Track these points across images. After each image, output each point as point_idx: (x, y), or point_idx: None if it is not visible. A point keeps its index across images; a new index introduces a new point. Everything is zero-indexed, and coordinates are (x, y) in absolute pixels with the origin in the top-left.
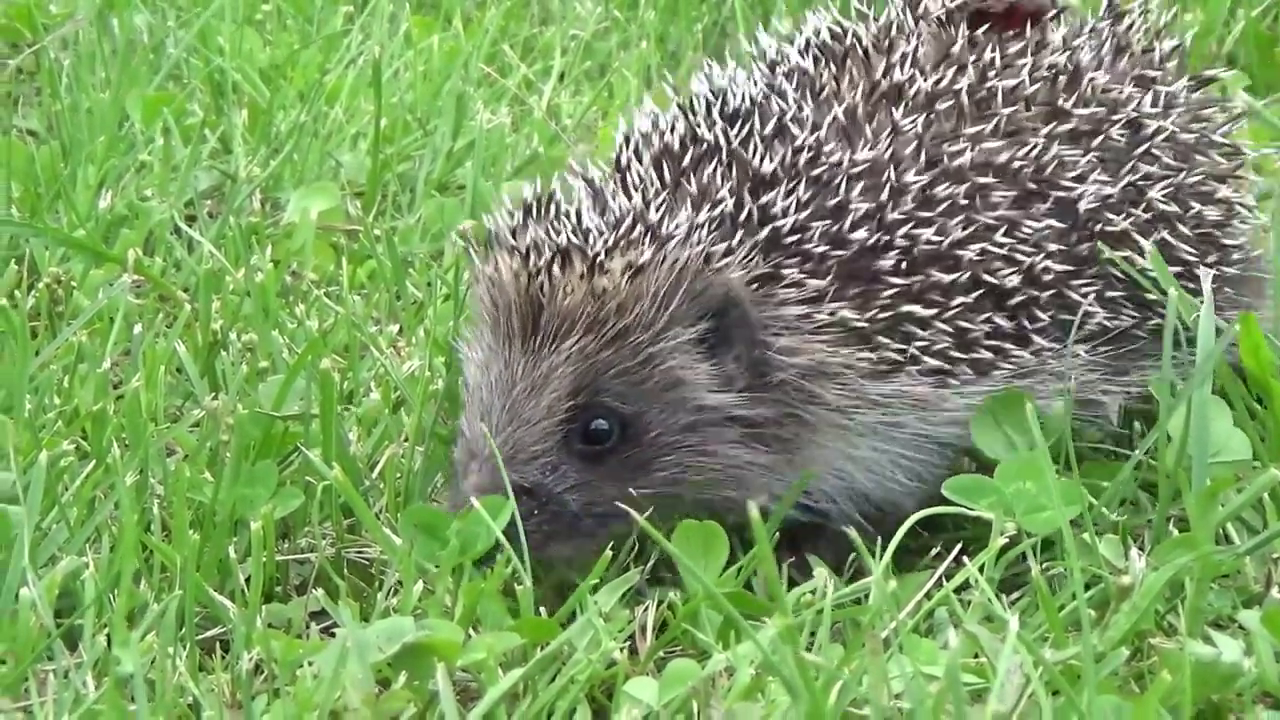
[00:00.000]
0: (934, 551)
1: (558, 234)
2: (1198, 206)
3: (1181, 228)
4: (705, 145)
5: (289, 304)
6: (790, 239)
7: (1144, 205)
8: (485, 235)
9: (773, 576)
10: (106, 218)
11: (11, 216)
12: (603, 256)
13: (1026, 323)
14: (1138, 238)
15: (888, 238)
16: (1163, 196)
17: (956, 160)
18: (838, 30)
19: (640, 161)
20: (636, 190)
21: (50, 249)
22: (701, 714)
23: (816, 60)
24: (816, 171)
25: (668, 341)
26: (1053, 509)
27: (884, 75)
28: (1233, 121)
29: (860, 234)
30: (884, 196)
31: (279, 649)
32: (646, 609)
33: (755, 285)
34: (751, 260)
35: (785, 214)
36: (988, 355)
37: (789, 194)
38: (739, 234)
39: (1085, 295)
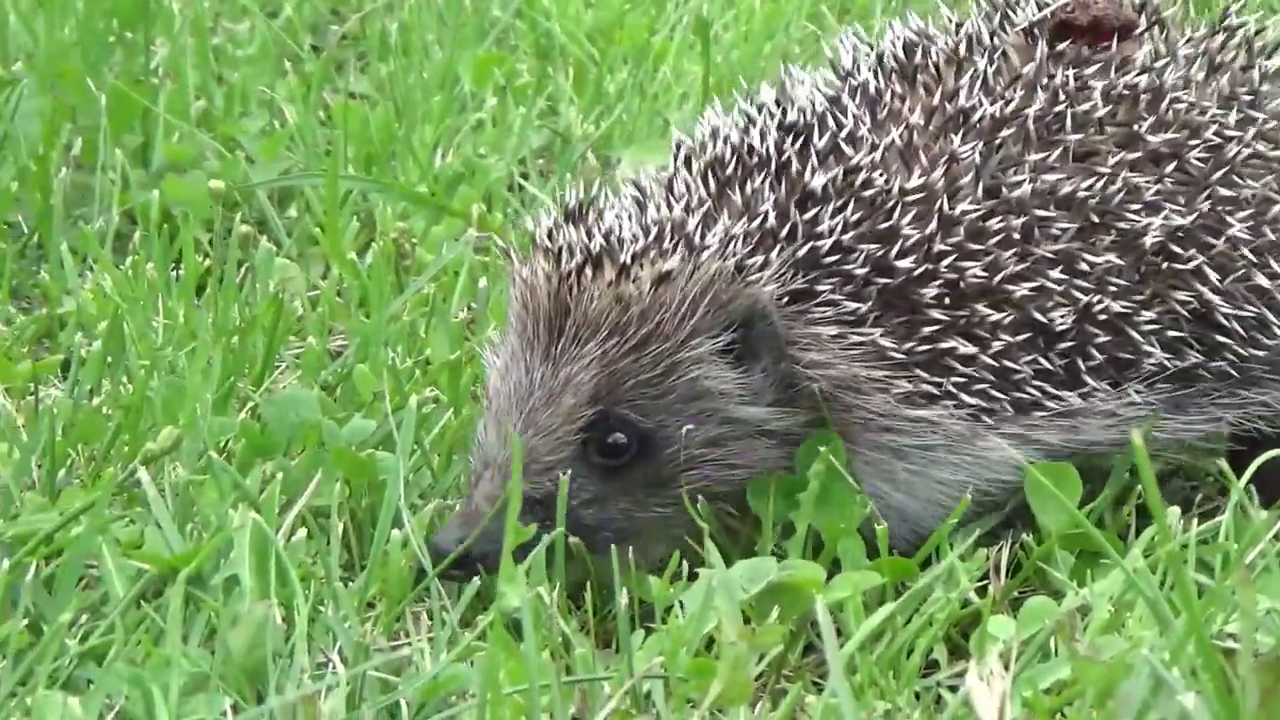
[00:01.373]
0: None
1: (591, 238)
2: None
3: (1270, 259)
4: (757, 158)
5: None
6: (831, 258)
7: (1224, 237)
8: (529, 236)
9: (1155, 502)
10: (446, 175)
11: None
12: (631, 262)
13: (1080, 361)
14: (1210, 273)
15: (934, 269)
16: (1244, 227)
17: (1016, 191)
18: (915, 40)
19: (689, 170)
20: (680, 200)
21: (391, 206)
22: (1064, 650)
23: (887, 75)
24: (869, 193)
25: (691, 351)
26: None
27: (950, 99)
28: None
29: (907, 262)
30: (933, 226)
31: (655, 586)
32: (1000, 549)
33: (788, 300)
34: (785, 275)
35: (830, 233)
36: (1031, 395)
37: (837, 213)
38: (777, 248)
39: (1146, 335)
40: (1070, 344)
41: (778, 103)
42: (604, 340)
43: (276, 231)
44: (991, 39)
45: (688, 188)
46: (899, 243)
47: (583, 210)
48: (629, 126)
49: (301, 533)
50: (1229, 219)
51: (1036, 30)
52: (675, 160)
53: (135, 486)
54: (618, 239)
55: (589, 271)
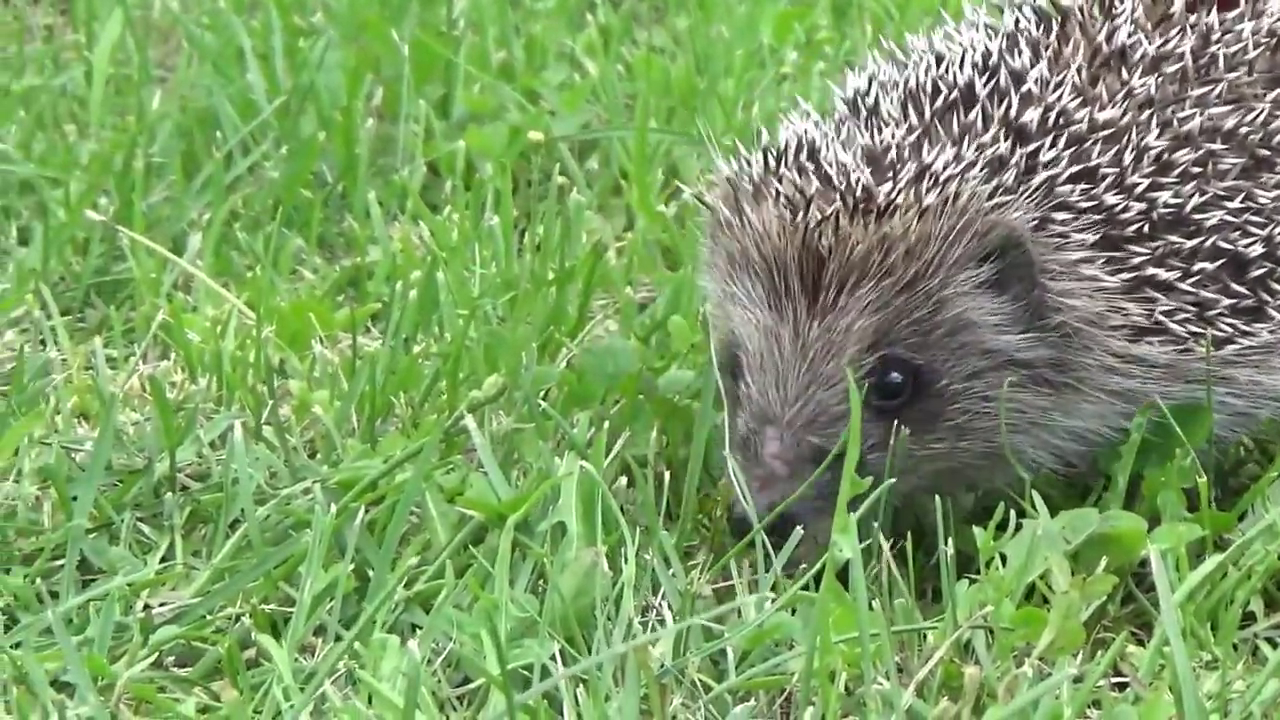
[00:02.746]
0: None
1: (825, 180)
2: None
3: None
4: (957, 91)
5: None
6: (1061, 188)
7: None
8: (729, 186)
9: None
10: (749, 128)
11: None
12: (884, 200)
13: (1266, 295)
14: None
15: (1131, 200)
16: None
17: (1186, 125)
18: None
19: (888, 101)
20: (887, 128)
21: (700, 158)
22: None
23: (1037, 24)
24: (1072, 129)
25: (956, 285)
26: None
27: (1107, 39)
28: None
29: (1110, 196)
30: (1127, 159)
31: (979, 537)
32: None
33: (1039, 229)
34: (1027, 204)
35: (1050, 165)
36: (1225, 331)
37: (1052, 146)
38: (1011, 177)
39: None
40: (1257, 275)
41: (953, 50)
42: (875, 283)
43: (578, 183)
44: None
45: (893, 117)
46: (1103, 178)
47: (791, 151)
48: None
49: (622, 480)
50: None
51: None
52: (867, 92)
53: (457, 434)
54: (851, 175)
55: (842, 214)
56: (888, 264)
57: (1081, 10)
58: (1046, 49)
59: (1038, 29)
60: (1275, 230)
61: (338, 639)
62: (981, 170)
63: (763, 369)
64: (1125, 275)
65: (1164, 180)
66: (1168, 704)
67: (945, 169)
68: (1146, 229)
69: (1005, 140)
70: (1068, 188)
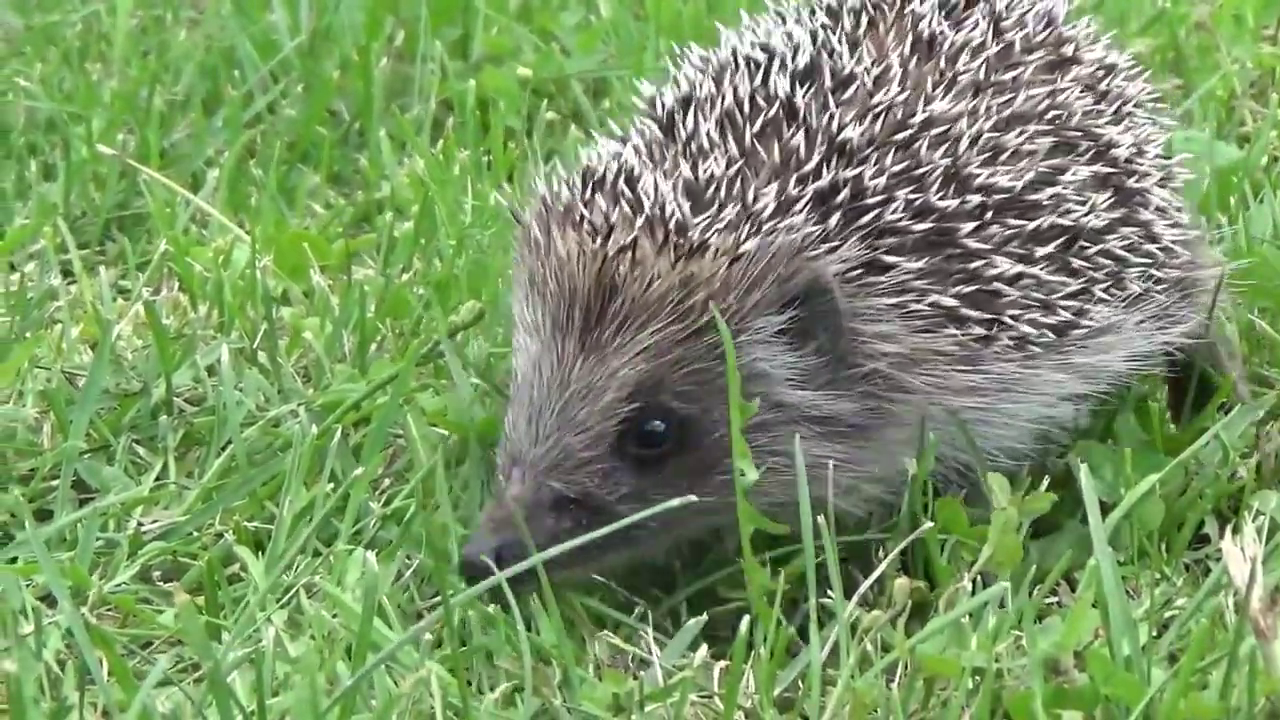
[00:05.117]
0: None
1: (636, 209)
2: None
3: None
4: (778, 106)
5: None
6: (889, 218)
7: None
8: (542, 205)
9: None
10: None
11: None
12: (697, 237)
13: (1096, 274)
14: (1158, 191)
15: (965, 194)
16: (1155, 152)
17: (1007, 110)
18: None
19: (703, 120)
20: (708, 157)
21: None
22: None
23: (835, 16)
24: (899, 136)
25: (750, 334)
26: None
27: (913, 29)
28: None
29: (941, 198)
30: (961, 150)
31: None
32: (1269, 425)
33: (858, 271)
34: (851, 246)
35: (878, 192)
36: (1065, 316)
37: (877, 165)
38: (836, 215)
39: (1128, 249)
40: (1095, 250)
41: (764, 48)
42: (662, 326)
43: (590, 122)
44: None
45: (712, 143)
46: (935, 179)
47: (609, 175)
48: None
49: None
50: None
51: None
52: (680, 108)
53: (441, 358)
54: (668, 210)
55: (647, 249)
56: (686, 307)
57: (876, 6)
58: (863, 42)
59: (847, 23)
60: (1099, 203)
61: (316, 554)
62: (806, 207)
63: (523, 403)
64: (965, 284)
65: (998, 165)
66: (1094, 616)
67: (771, 212)
68: (987, 217)
69: (832, 165)
70: (897, 208)
